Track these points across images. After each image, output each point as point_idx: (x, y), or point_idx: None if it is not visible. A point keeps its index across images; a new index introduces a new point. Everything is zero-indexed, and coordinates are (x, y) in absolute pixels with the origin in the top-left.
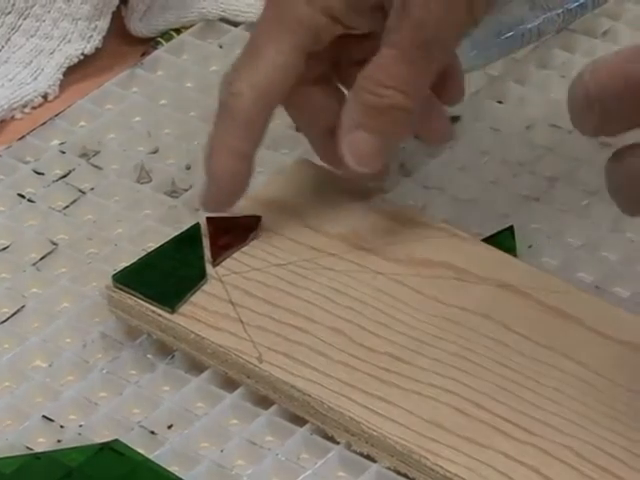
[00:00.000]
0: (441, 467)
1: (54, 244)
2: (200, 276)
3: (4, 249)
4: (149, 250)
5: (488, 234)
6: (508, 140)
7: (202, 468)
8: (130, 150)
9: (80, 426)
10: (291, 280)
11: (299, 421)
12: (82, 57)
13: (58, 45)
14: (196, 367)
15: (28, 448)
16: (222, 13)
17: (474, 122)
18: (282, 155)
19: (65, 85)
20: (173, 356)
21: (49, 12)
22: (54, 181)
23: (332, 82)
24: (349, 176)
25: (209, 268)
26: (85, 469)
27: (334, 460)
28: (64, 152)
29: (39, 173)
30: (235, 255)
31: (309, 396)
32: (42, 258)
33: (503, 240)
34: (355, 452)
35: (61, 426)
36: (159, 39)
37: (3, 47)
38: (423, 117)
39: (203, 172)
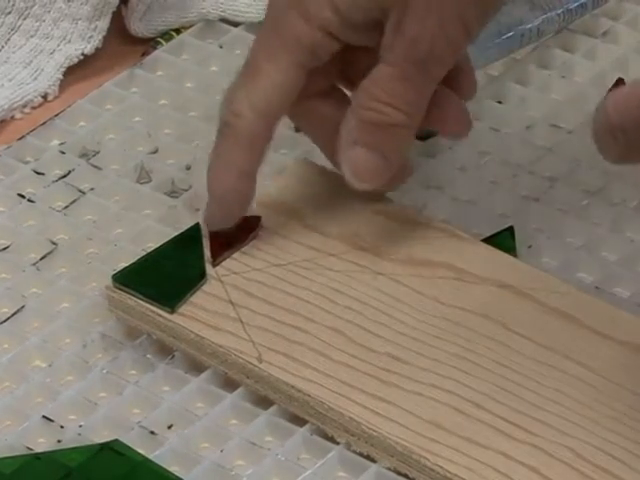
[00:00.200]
0: (441, 467)
1: (54, 244)
2: (200, 276)
3: (4, 249)
4: (149, 250)
5: (488, 234)
6: (508, 140)
7: (202, 468)
8: (130, 150)
9: (80, 426)
10: (291, 280)
11: (299, 421)
12: (82, 57)
13: (58, 45)
14: (196, 367)
15: (28, 448)
16: (222, 13)
17: (474, 122)
18: (282, 155)
19: (65, 85)
20: (173, 356)
21: (49, 12)
22: (54, 181)
23: (341, 93)
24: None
25: (209, 268)
26: (85, 469)
27: (334, 460)
28: (64, 152)
29: (39, 173)
30: (235, 255)
31: (309, 396)
32: (42, 258)
33: (503, 240)
34: (355, 452)
35: (61, 426)
36: (159, 39)
37: (3, 47)
38: (439, 111)
39: (206, 188)
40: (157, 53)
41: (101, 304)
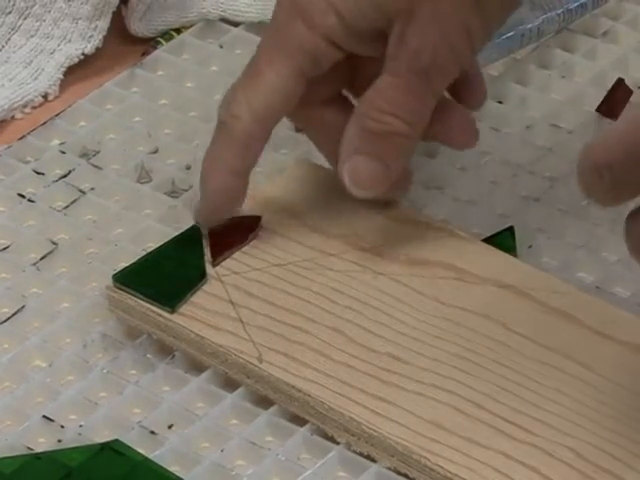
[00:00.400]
0: (441, 467)
1: (54, 244)
2: (200, 276)
3: (4, 249)
4: (149, 250)
5: (488, 234)
6: (508, 140)
7: (202, 468)
8: (130, 150)
9: (80, 426)
10: (291, 280)
11: (299, 421)
12: (82, 57)
13: (58, 45)
14: (196, 367)
15: (28, 448)
16: (222, 13)
17: None
18: (282, 155)
19: (65, 85)
20: (173, 356)
21: (49, 12)
22: (54, 181)
23: (347, 101)
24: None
25: (209, 268)
26: (85, 469)
27: (334, 460)
28: (64, 152)
29: (39, 173)
30: (235, 255)
31: (309, 396)
32: (42, 258)
33: (503, 240)
34: (355, 452)
35: (61, 426)
36: (159, 39)
37: (3, 47)
38: (444, 122)
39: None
40: (157, 53)
41: (101, 304)
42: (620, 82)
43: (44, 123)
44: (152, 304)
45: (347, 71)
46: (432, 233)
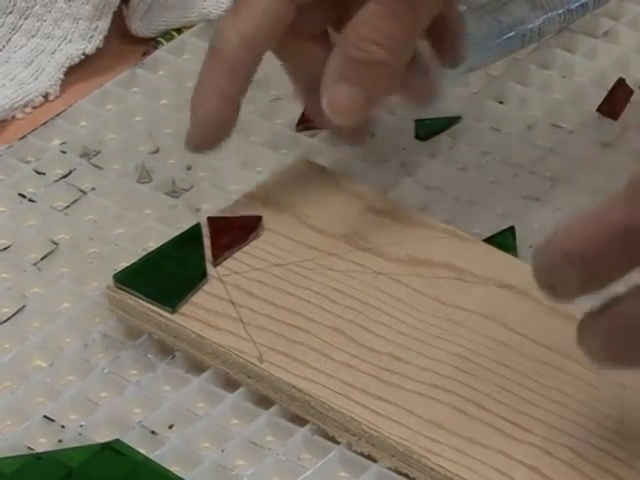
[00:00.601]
0: (442, 467)
1: (55, 244)
2: (201, 276)
3: (5, 249)
4: (150, 250)
5: (488, 234)
6: (509, 140)
7: (203, 468)
8: (131, 150)
9: (81, 426)
10: (291, 280)
11: (300, 421)
12: (83, 57)
13: (59, 45)
14: (197, 367)
15: (29, 448)
16: (223, 13)
17: (475, 122)
18: (282, 155)
19: (66, 85)
20: (174, 356)
21: (50, 12)
22: (55, 181)
23: (330, 39)
24: (328, 127)
25: (209, 268)
26: (86, 469)
27: (335, 460)
28: (65, 152)
29: (40, 173)
30: (235, 255)
31: (310, 396)
32: (43, 258)
33: (503, 240)
34: (356, 452)
35: (62, 426)
36: (160, 39)
37: (4, 47)
38: (405, 76)
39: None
40: (158, 53)
41: (102, 304)
42: (621, 82)
43: (45, 123)
44: (153, 304)
45: (334, 7)
46: (433, 233)
